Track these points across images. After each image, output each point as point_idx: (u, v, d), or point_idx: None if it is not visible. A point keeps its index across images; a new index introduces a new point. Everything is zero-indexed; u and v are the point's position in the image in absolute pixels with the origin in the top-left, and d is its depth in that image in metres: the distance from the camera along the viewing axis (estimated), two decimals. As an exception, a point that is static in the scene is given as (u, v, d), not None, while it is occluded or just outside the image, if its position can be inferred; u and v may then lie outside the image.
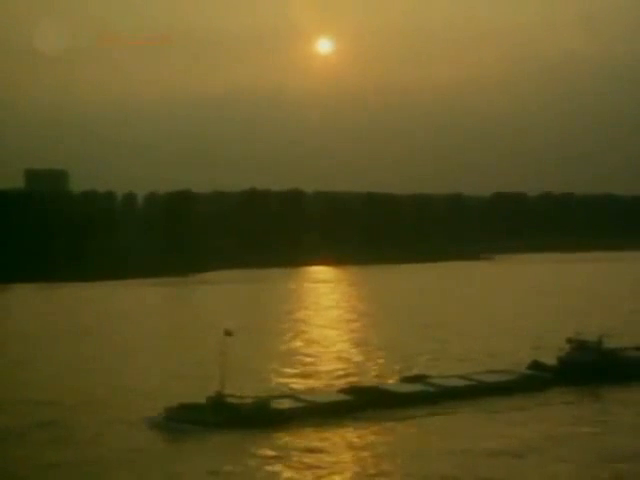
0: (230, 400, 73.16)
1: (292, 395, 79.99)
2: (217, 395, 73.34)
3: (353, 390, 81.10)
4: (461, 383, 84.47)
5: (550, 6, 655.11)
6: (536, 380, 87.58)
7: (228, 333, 76.16)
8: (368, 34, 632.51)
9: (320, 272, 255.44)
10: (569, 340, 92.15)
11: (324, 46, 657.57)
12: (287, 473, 61.46)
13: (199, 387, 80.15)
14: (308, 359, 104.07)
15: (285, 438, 68.79)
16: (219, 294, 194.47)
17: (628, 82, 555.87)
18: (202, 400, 73.91)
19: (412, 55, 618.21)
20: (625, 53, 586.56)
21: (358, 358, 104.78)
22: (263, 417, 72.13)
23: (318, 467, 62.41)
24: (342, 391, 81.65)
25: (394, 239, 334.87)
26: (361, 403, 77.20)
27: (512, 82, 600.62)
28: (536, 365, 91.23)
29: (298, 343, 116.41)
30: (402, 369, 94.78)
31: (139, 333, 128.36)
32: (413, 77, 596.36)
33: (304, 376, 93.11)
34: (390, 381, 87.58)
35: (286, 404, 76.01)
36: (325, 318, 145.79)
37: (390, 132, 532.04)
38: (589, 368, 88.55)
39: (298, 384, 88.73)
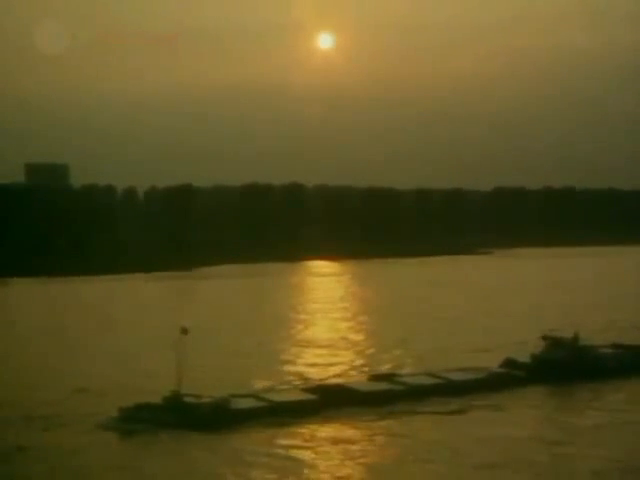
0: (187, 400, 70.18)
1: (253, 394, 76.55)
2: (174, 394, 70.25)
3: (318, 389, 78.48)
4: (429, 381, 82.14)
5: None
6: (508, 378, 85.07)
7: (184, 331, 73.15)
8: (369, 29, 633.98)
9: (320, 266, 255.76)
10: (544, 337, 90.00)
11: (325, 41, 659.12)
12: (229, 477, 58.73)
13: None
14: (296, 355, 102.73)
15: (240, 439, 66.35)
16: (219, 289, 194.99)
17: (630, 76, 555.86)
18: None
19: (413, 50, 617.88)
20: (627, 47, 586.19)
21: (361, 353, 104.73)
22: (221, 417, 69.39)
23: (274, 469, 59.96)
24: (306, 390, 78.90)
25: (394, 233, 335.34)
26: (326, 402, 74.54)
27: (513, 76, 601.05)
28: (509, 363, 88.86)
29: (291, 338, 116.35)
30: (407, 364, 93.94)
31: (132, 328, 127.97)
32: (413, 72, 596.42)
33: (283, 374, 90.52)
34: (357, 379, 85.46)
35: (246, 404, 72.79)
36: (322, 313, 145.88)
37: (390, 127, 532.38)
38: (563, 366, 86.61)
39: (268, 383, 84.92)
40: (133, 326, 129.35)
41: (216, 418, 69.14)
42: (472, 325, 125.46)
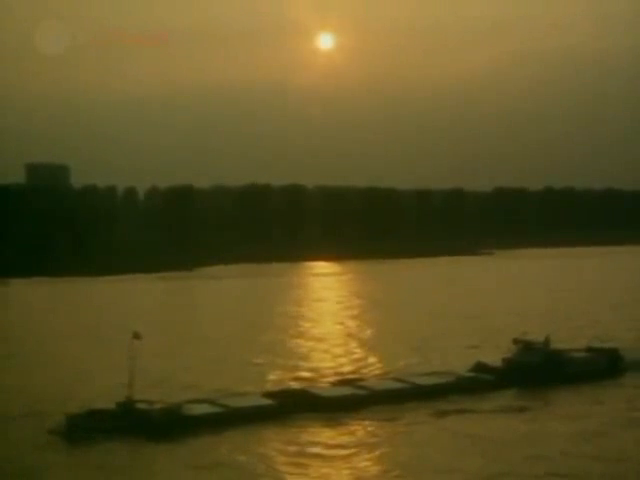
0: (140, 405, 68.59)
1: (210, 400, 74.00)
2: (127, 400, 68.70)
3: (279, 394, 76.34)
4: (395, 386, 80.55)
5: (554, 0, 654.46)
6: (477, 382, 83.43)
7: (137, 336, 71.68)
8: (369, 29, 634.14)
9: (320, 267, 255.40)
10: (515, 341, 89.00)
11: (325, 41, 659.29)
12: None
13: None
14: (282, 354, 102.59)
15: (186, 446, 64.59)
16: (220, 288, 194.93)
17: (631, 77, 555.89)
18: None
19: (414, 50, 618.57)
20: (628, 48, 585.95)
21: (359, 353, 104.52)
22: (173, 424, 67.66)
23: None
24: (267, 395, 76.55)
25: (395, 234, 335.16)
26: (286, 408, 72.64)
27: (514, 77, 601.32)
28: (480, 366, 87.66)
29: (289, 336, 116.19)
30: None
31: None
32: (415, 72, 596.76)
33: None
34: (320, 384, 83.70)
35: (201, 409, 70.87)
36: (320, 313, 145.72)
37: (391, 127, 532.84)
38: (534, 370, 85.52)
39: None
40: (130, 327, 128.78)
41: (168, 424, 67.53)
42: (476, 324, 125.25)
